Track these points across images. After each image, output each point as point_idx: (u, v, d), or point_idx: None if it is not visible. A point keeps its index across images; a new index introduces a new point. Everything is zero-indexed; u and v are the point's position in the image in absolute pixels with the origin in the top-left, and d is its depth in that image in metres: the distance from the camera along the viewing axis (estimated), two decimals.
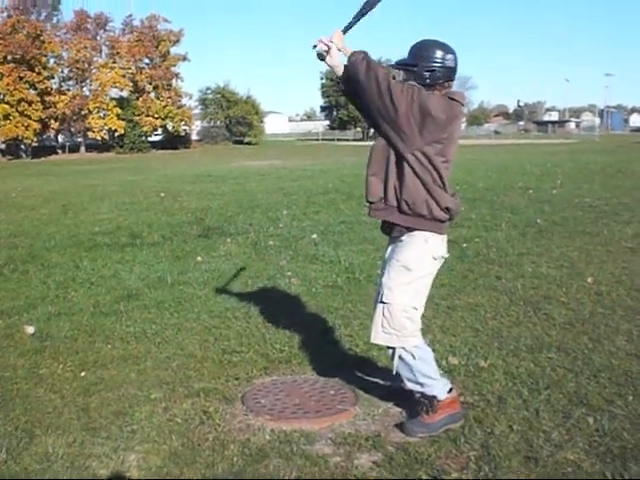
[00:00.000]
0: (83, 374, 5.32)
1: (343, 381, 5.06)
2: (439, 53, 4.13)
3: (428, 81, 4.10)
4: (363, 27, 4.27)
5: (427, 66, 4.12)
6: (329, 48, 4.05)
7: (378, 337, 4.22)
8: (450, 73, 4.15)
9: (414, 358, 4.16)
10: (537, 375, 5.00)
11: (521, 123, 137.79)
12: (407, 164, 4.01)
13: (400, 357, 4.19)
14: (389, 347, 4.25)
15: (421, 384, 4.23)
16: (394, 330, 4.12)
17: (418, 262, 4.11)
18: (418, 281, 4.13)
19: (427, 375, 4.21)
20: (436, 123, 3.94)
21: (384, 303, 4.15)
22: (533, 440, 4.02)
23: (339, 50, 4.08)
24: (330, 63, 4.09)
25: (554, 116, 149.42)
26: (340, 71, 4.13)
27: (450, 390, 4.30)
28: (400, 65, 4.30)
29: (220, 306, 7.12)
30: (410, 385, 4.28)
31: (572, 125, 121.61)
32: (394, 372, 4.29)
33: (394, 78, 3.98)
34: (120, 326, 6.54)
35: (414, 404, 4.39)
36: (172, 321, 6.67)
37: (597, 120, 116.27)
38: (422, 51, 4.18)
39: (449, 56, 4.13)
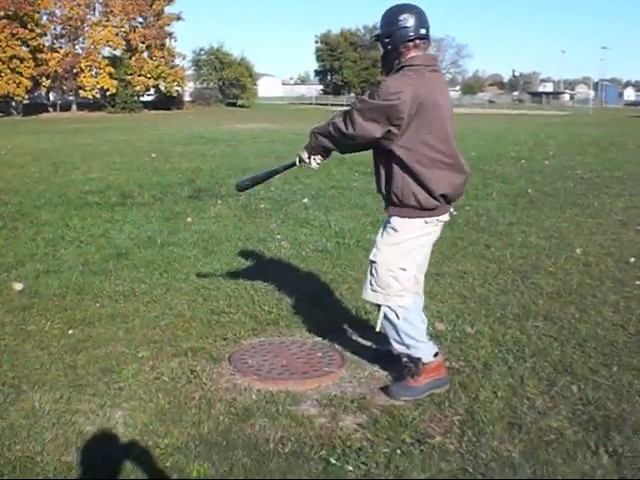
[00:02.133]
0: (71, 331, 5.33)
1: (330, 343, 5.09)
2: (392, 16, 4.11)
3: (390, 47, 4.11)
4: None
5: (385, 32, 4.14)
6: (307, 161, 4.46)
7: (367, 294, 4.30)
8: (408, 32, 4.05)
9: (398, 318, 4.19)
10: (523, 343, 5.03)
11: (515, 93, 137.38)
12: (391, 158, 4.04)
13: (385, 315, 4.25)
14: (377, 305, 4.30)
15: (406, 345, 4.25)
16: (380, 288, 4.18)
17: (406, 224, 4.11)
18: (407, 242, 4.13)
19: (412, 336, 4.22)
20: (395, 112, 3.90)
21: (372, 262, 4.22)
22: (517, 407, 4.06)
23: (310, 153, 4.43)
24: (313, 153, 4.42)
25: (549, 87, 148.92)
26: (324, 149, 4.36)
27: (436, 355, 4.32)
28: (375, 39, 4.32)
29: (209, 267, 7.12)
30: (396, 346, 4.30)
31: (566, 97, 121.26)
32: (377, 329, 4.35)
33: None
34: (109, 285, 6.54)
35: (400, 368, 4.43)
36: (161, 281, 6.67)
37: (591, 93, 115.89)
38: (382, 20, 4.20)
39: (403, 16, 4.07)
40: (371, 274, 4.23)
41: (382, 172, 4.15)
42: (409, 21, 4.05)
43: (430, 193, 4.02)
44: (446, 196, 4.10)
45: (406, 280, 4.18)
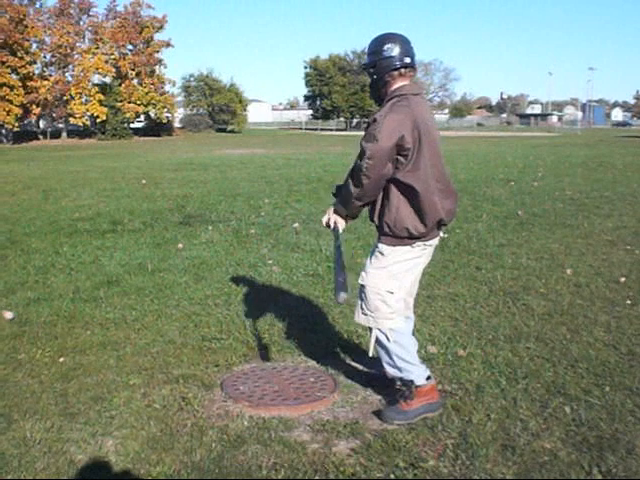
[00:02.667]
0: (62, 360, 5.30)
1: (323, 368, 5.08)
2: (377, 46, 4.18)
3: (375, 77, 4.18)
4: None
5: (370, 62, 4.21)
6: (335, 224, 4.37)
7: (358, 317, 4.36)
8: (393, 61, 4.12)
9: (388, 340, 4.22)
10: (515, 365, 5.03)
11: (504, 116, 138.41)
12: (392, 188, 4.08)
13: (377, 338, 4.28)
14: (369, 328, 4.35)
15: (399, 368, 4.26)
16: (369, 311, 4.24)
17: (392, 249, 4.16)
18: (393, 266, 4.17)
19: (403, 359, 4.24)
20: (401, 144, 3.97)
21: (361, 285, 4.28)
22: (510, 429, 4.05)
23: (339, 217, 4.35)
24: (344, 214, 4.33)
25: (537, 109, 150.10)
26: (353, 209, 4.28)
27: (429, 378, 4.32)
28: (362, 68, 4.43)
29: (200, 293, 7.11)
30: (388, 369, 4.32)
31: (554, 118, 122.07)
32: (370, 354, 4.38)
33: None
34: (100, 312, 6.52)
35: (393, 392, 4.42)
36: (152, 307, 6.65)
37: (579, 114, 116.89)
38: (368, 50, 4.27)
39: (387, 45, 4.14)
40: (361, 298, 4.29)
41: (378, 203, 4.18)
42: (393, 50, 4.12)
43: (425, 220, 4.07)
44: (441, 221, 4.16)
45: (394, 303, 4.20)
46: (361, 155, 3.99)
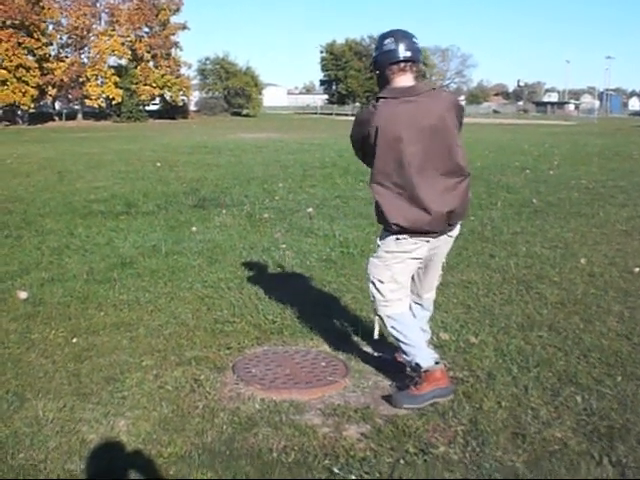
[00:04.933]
0: (75, 340, 5.33)
1: (334, 353, 5.09)
2: (379, 41, 4.27)
3: (378, 72, 4.27)
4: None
5: (373, 58, 4.31)
6: None
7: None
8: (391, 55, 4.16)
9: (388, 325, 4.40)
10: (527, 353, 5.02)
11: (520, 103, 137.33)
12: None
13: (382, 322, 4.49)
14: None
15: (404, 352, 4.35)
16: (371, 298, 4.47)
17: (384, 240, 4.33)
18: (385, 256, 4.33)
19: (405, 343, 4.31)
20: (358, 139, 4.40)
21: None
22: (521, 417, 4.05)
23: None
24: None
25: (553, 97, 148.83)
26: None
27: (437, 363, 4.32)
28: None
29: (214, 276, 7.13)
30: (401, 352, 4.43)
31: (571, 107, 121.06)
32: (375, 336, 4.66)
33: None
34: (113, 293, 6.55)
35: (404, 377, 4.43)
36: (165, 290, 6.67)
37: (596, 103, 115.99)
38: (375, 44, 4.40)
39: (387, 40, 4.19)
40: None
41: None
42: (393, 45, 4.16)
43: (385, 221, 4.24)
44: (402, 227, 4.17)
45: (388, 292, 4.34)
46: None
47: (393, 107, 4.11)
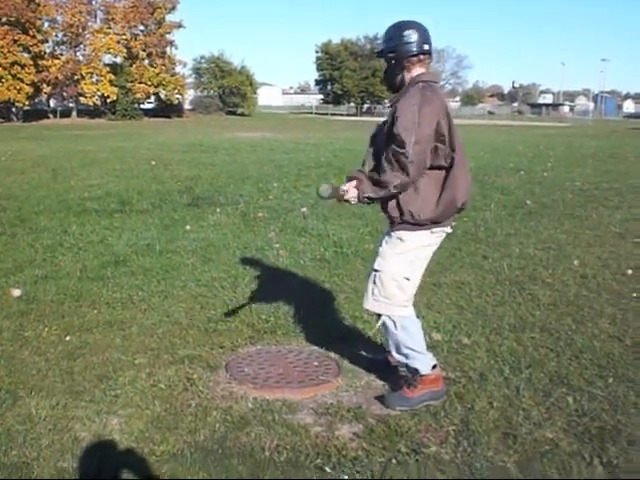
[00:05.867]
0: (68, 338, 5.33)
1: (327, 352, 5.10)
2: (397, 32, 4.18)
3: (394, 62, 4.18)
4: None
5: (389, 48, 4.20)
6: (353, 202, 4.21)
7: (368, 303, 4.33)
8: (412, 47, 4.13)
9: (396, 328, 4.23)
10: (519, 354, 5.04)
11: (515, 104, 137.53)
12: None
13: (384, 324, 4.29)
14: (377, 314, 4.34)
15: (404, 355, 4.28)
16: (383, 298, 4.21)
17: (413, 234, 4.13)
18: (412, 252, 4.16)
19: (409, 347, 4.24)
20: (440, 129, 4.00)
21: (376, 271, 4.23)
22: (512, 417, 4.06)
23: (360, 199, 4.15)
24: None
25: (548, 99, 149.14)
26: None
27: (434, 367, 4.33)
28: (378, 55, 4.38)
29: (207, 275, 7.13)
30: (395, 355, 4.34)
31: (566, 109, 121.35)
32: (371, 333, 4.64)
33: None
34: (107, 291, 6.55)
35: (397, 378, 4.45)
36: (159, 288, 6.68)
37: (591, 105, 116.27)
38: (385, 36, 4.27)
39: (407, 31, 4.15)
40: (374, 283, 4.25)
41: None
42: (413, 37, 4.14)
43: (453, 204, 4.08)
44: (464, 204, 4.15)
45: (411, 290, 4.23)
46: (401, 143, 3.90)
47: (436, 88, 4.14)
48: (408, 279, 4.18)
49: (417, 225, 4.09)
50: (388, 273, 4.18)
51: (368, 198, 4.11)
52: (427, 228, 4.11)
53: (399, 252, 4.17)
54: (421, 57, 4.15)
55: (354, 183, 4.14)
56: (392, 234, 4.21)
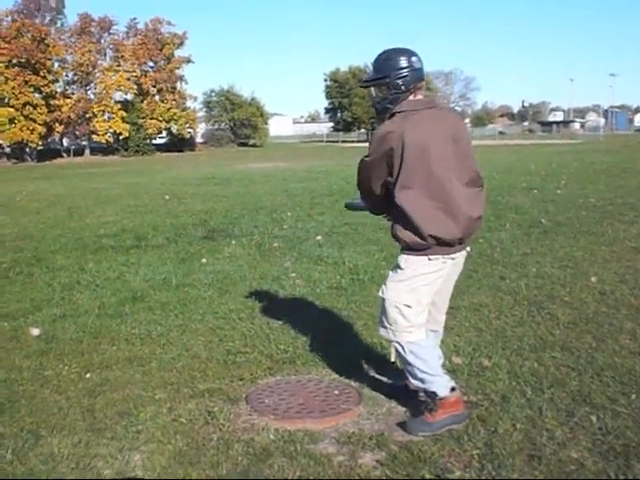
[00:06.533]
0: (88, 375, 5.35)
1: (347, 381, 5.07)
2: (405, 59, 4.21)
3: (403, 88, 4.20)
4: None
5: (398, 74, 4.20)
6: None
7: (379, 330, 4.40)
8: (419, 74, 4.23)
9: (405, 353, 4.24)
10: (541, 374, 5.01)
11: (525, 123, 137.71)
12: (394, 202, 4.18)
13: (397, 350, 4.35)
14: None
15: (420, 379, 4.26)
16: (389, 325, 4.26)
17: (410, 261, 4.18)
18: (411, 279, 4.17)
19: (424, 371, 4.23)
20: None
21: (382, 298, 4.30)
22: (536, 439, 4.03)
23: None
24: None
25: (558, 116, 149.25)
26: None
27: (453, 389, 4.30)
28: (369, 82, 4.39)
29: (225, 307, 7.14)
30: (412, 380, 4.34)
31: (577, 125, 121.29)
32: (392, 359, 4.61)
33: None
34: (125, 328, 6.57)
35: (418, 403, 4.42)
36: (177, 322, 6.69)
37: (602, 120, 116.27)
38: (389, 61, 4.25)
39: (414, 59, 4.22)
40: (381, 310, 4.32)
41: (394, 217, 4.26)
42: (419, 64, 4.23)
43: (419, 235, 4.08)
44: (438, 238, 4.09)
45: (414, 317, 4.20)
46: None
47: (415, 118, 4.10)
48: (409, 306, 4.18)
49: (413, 250, 4.15)
50: (389, 300, 4.23)
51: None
52: (423, 254, 4.13)
53: (399, 279, 4.23)
54: (422, 84, 4.26)
55: None
56: (397, 259, 4.30)
